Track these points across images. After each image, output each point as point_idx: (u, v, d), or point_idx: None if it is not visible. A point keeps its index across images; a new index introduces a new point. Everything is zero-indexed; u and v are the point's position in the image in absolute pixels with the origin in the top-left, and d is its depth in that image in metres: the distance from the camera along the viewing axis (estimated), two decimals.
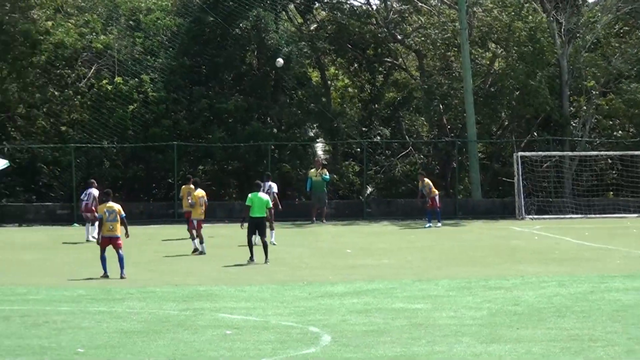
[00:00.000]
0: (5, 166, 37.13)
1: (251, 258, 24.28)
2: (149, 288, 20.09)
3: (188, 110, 40.37)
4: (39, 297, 18.94)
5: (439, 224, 35.11)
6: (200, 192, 26.84)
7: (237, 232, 28.49)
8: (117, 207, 22.13)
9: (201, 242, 26.30)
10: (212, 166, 41.21)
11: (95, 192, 31.08)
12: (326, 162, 41.45)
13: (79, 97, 40.56)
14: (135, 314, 16.96)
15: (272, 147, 40.12)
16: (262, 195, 24.87)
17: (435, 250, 27.78)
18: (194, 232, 26.62)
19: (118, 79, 39.88)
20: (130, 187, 40.80)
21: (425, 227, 34.89)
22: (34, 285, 20.36)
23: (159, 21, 41.40)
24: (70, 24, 40.73)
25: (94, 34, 40.67)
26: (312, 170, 37.53)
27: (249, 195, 24.77)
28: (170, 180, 40.08)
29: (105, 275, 21.67)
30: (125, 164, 40.25)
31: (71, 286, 20.43)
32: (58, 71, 40.90)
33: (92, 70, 40.70)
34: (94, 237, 29.54)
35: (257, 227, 24.39)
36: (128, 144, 39.45)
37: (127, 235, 22.23)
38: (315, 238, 31.50)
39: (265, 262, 24.16)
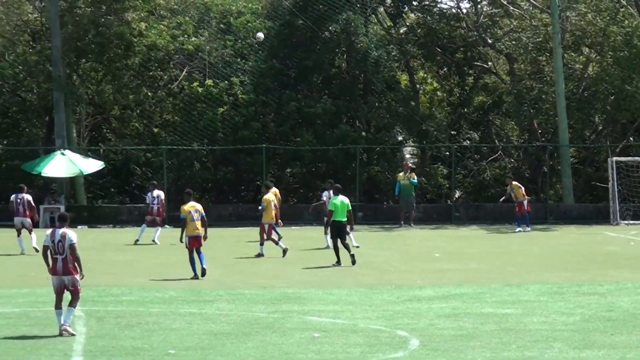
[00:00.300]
0: (101, 167, 37.84)
1: (338, 262, 24.21)
2: (238, 290, 20.21)
3: (277, 113, 40.59)
4: (132, 298, 19.19)
5: (528, 229, 34.70)
6: (270, 196, 26.37)
7: (323, 235, 28.52)
8: (199, 206, 22.31)
9: (276, 243, 26.05)
10: (300, 169, 41.36)
11: (162, 194, 31.25)
12: (414, 166, 41.26)
13: (170, 98, 41.10)
14: (224, 316, 17.08)
15: (361, 150, 40.12)
16: (344, 198, 24.72)
17: (525, 254, 27.40)
18: (265, 236, 26.10)
19: (209, 82, 40.29)
20: (219, 189, 41.18)
21: (514, 232, 34.51)
22: (126, 286, 20.64)
23: (249, 24, 41.74)
24: (162, 26, 41.30)
25: (185, 36, 41.18)
26: (401, 173, 37.39)
27: (331, 199, 24.73)
28: (258, 183, 40.32)
29: (195, 277, 21.86)
30: (215, 166, 40.63)
31: (162, 287, 20.66)
32: (151, 73, 41.49)
33: (184, 72, 41.20)
34: (155, 241, 29.79)
35: (338, 230, 24.29)
36: (218, 146, 39.83)
37: (205, 237, 22.12)
38: (403, 242, 31.38)
39: (352, 263, 24.00)
